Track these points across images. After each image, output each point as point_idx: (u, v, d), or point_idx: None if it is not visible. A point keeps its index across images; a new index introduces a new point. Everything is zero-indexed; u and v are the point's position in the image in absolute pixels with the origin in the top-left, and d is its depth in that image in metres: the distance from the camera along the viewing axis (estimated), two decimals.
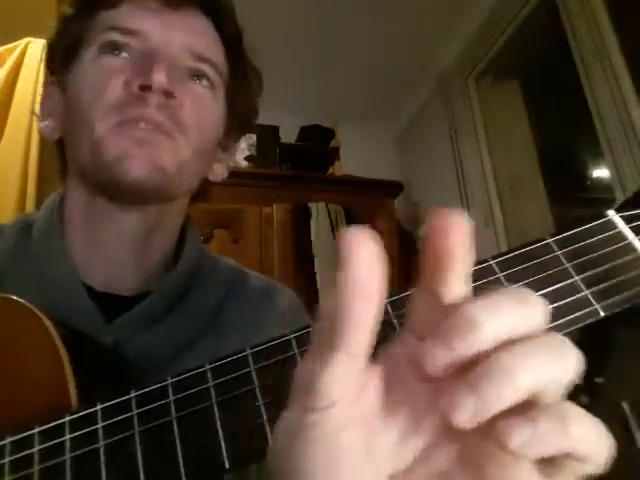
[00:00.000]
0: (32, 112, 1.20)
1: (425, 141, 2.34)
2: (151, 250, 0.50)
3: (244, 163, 1.82)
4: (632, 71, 1.34)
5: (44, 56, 0.52)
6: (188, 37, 0.48)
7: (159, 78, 0.43)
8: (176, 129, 0.45)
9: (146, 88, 0.43)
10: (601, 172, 1.67)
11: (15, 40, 1.34)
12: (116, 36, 0.46)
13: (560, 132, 1.85)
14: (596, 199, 1.79)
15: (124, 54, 0.46)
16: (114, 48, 0.46)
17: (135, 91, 0.43)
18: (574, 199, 1.87)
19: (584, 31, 1.46)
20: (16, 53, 1.31)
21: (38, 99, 1.24)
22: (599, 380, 1.13)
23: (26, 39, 1.33)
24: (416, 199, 2.35)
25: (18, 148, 1.22)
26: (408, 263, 1.87)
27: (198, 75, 0.48)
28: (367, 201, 1.84)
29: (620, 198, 1.32)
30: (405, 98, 2.36)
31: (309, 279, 1.61)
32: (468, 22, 1.92)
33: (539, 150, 1.85)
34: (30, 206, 1.17)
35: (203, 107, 0.48)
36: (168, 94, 0.44)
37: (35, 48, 1.32)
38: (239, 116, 0.55)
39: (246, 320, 0.52)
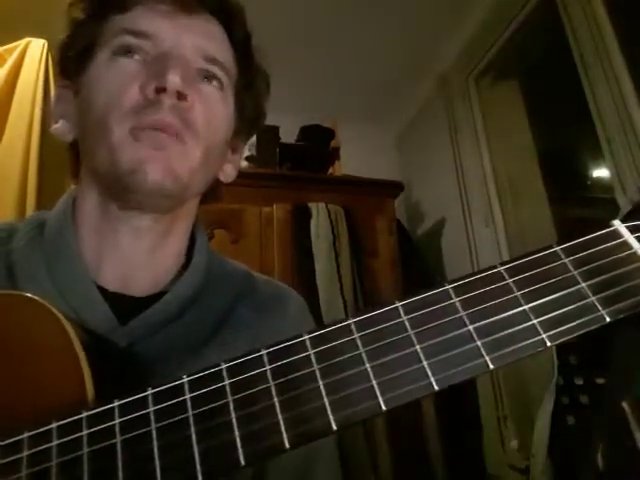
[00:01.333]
0: (33, 109, 1.20)
1: (425, 141, 2.34)
2: (163, 252, 0.50)
3: (244, 163, 1.82)
4: (632, 71, 1.34)
5: (52, 58, 0.53)
6: (199, 40, 0.48)
7: (173, 79, 0.43)
8: (187, 131, 0.45)
9: (161, 90, 0.43)
10: (601, 172, 1.67)
11: (15, 40, 1.34)
12: (129, 39, 0.46)
13: (560, 132, 1.85)
14: (596, 199, 1.79)
15: (137, 57, 0.46)
16: (127, 51, 0.46)
17: (151, 95, 0.44)
18: (574, 199, 1.88)
19: (584, 31, 1.46)
20: (16, 53, 1.31)
21: (39, 98, 1.25)
22: (599, 380, 1.13)
23: (26, 39, 1.33)
24: (416, 199, 2.35)
25: (19, 147, 1.22)
26: (407, 263, 1.87)
27: (208, 76, 0.49)
28: (367, 201, 1.84)
29: (620, 198, 1.32)
30: (405, 98, 2.36)
31: (309, 279, 1.61)
32: (468, 22, 1.92)
33: (539, 150, 1.85)
34: (30, 204, 1.18)
35: (213, 107, 0.49)
36: (181, 96, 0.44)
37: (35, 48, 1.32)
38: (247, 117, 0.56)
39: (255, 324, 0.52)
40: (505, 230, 1.82)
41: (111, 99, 0.44)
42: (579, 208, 1.86)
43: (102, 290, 0.46)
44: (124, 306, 0.46)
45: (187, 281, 0.49)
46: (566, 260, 0.30)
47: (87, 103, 0.47)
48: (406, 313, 0.29)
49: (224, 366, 0.29)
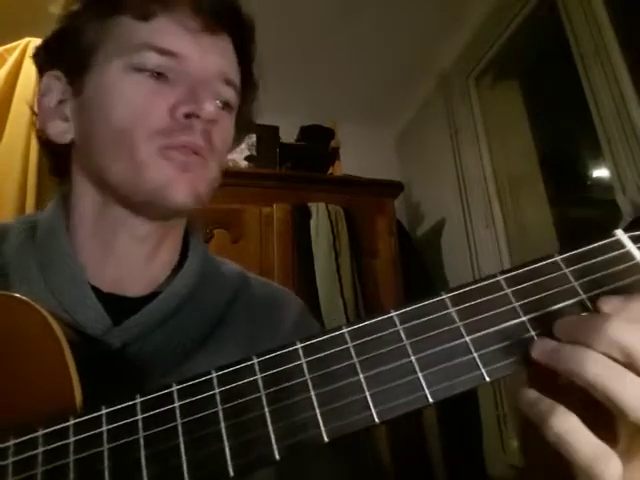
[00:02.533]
0: (33, 109, 1.20)
1: (425, 141, 2.34)
2: (160, 255, 0.51)
3: (244, 163, 1.82)
4: (632, 71, 1.34)
5: (44, 44, 0.50)
6: (221, 62, 0.49)
7: (209, 108, 0.44)
8: (209, 152, 0.46)
9: (193, 116, 0.44)
10: (601, 172, 1.67)
11: (15, 40, 1.34)
12: (154, 57, 0.45)
13: (560, 132, 1.85)
14: (596, 199, 1.79)
15: (163, 77, 0.45)
16: (152, 68, 0.45)
17: (181, 119, 0.44)
18: (574, 199, 1.87)
19: (584, 31, 1.46)
20: (16, 53, 1.31)
21: None
22: None
23: (26, 39, 1.33)
24: (416, 199, 2.35)
25: (18, 147, 1.22)
26: (407, 263, 1.87)
27: (224, 103, 0.50)
28: (367, 201, 1.84)
29: (620, 198, 1.32)
30: (405, 98, 2.36)
31: (309, 279, 1.61)
32: (468, 22, 1.92)
33: (539, 150, 1.85)
34: (30, 204, 1.18)
35: (226, 130, 0.50)
36: (210, 122, 0.45)
37: None
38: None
39: (250, 326, 0.52)
40: (505, 231, 1.82)
41: (136, 116, 0.44)
42: (579, 208, 1.86)
43: (96, 291, 0.46)
44: (118, 307, 0.45)
45: (181, 281, 0.49)
46: (566, 270, 0.29)
47: (99, 110, 0.45)
48: (401, 322, 0.28)
49: (214, 374, 0.28)
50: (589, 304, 0.28)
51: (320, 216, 1.70)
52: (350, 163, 2.06)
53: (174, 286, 0.48)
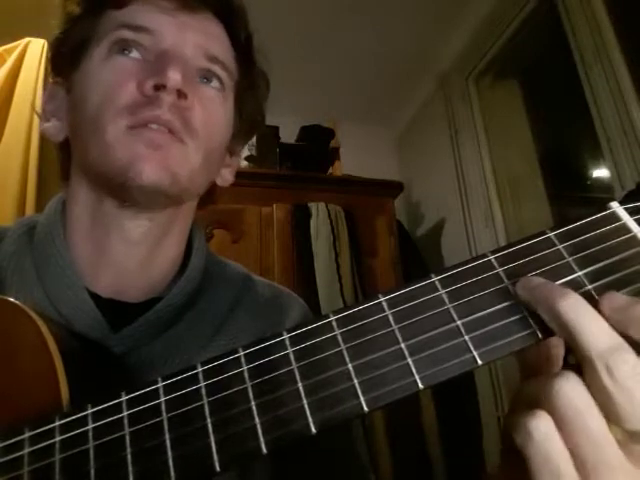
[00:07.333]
0: (33, 109, 1.20)
1: (425, 141, 2.34)
2: (159, 258, 0.49)
3: (244, 163, 1.82)
4: (632, 71, 1.34)
5: (48, 55, 0.51)
6: (201, 38, 0.47)
7: (174, 76, 0.41)
8: (186, 133, 0.44)
9: (160, 87, 0.42)
10: (601, 172, 1.67)
11: (15, 40, 1.34)
12: (127, 34, 0.44)
13: (560, 132, 1.85)
14: (596, 199, 1.79)
15: (135, 53, 0.44)
16: (125, 46, 0.44)
17: (149, 92, 0.42)
18: (574, 199, 1.88)
19: (584, 31, 1.46)
20: (16, 53, 1.31)
21: (39, 99, 1.25)
22: None
23: (26, 39, 1.33)
24: (416, 199, 2.35)
25: (18, 148, 1.22)
26: (407, 263, 1.87)
27: (208, 76, 0.47)
28: (367, 201, 1.84)
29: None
30: (405, 98, 2.36)
31: (309, 279, 1.61)
32: (468, 22, 1.92)
33: (539, 150, 1.85)
34: (30, 205, 1.18)
35: (212, 110, 0.47)
36: (181, 94, 0.43)
37: (35, 48, 1.31)
38: (247, 120, 0.54)
39: (254, 329, 0.51)
40: (505, 230, 1.82)
41: (105, 96, 0.42)
42: (579, 208, 1.86)
43: (95, 296, 0.44)
44: (118, 313, 0.44)
45: (181, 287, 0.48)
46: (560, 246, 0.27)
47: (80, 100, 0.45)
48: (390, 307, 0.27)
49: (200, 369, 0.28)
50: (585, 281, 0.26)
51: (320, 216, 1.70)
52: (350, 163, 2.06)
53: (173, 295, 0.47)
